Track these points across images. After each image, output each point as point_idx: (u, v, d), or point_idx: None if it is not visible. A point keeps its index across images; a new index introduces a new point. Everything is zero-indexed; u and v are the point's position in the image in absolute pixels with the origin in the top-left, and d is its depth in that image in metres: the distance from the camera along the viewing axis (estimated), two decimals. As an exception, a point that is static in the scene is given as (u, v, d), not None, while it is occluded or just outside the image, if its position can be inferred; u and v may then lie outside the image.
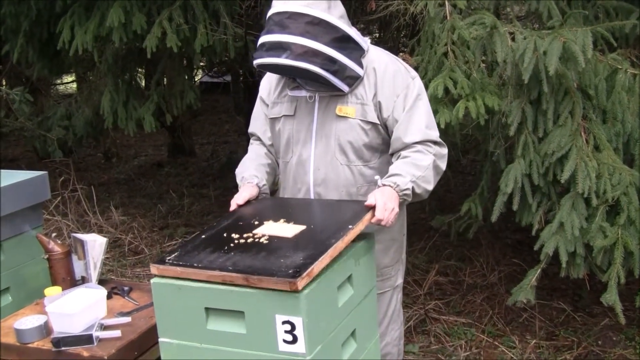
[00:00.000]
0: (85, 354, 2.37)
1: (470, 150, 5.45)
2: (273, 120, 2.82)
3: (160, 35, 4.74)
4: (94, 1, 5.06)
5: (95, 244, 2.96)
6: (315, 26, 2.45)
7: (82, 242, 2.97)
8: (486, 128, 3.70)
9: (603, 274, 3.22)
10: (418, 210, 6.28)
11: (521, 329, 4.21)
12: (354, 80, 2.59)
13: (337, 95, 2.64)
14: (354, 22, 5.53)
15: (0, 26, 5.61)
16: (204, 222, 6.58)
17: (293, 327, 1.91)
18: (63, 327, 2.44)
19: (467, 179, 6.92)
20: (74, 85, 11.39)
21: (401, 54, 3.90)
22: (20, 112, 6.98)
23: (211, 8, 5.04)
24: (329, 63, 2.48)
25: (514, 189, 3.44)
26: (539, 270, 3.48)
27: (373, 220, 2.35)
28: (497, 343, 4.06)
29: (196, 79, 12.16)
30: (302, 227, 2.29)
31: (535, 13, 3.82)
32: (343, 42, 2.52)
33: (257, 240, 2.21)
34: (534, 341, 4.02)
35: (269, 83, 2.86)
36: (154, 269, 2.12)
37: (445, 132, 3.81)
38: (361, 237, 2.33)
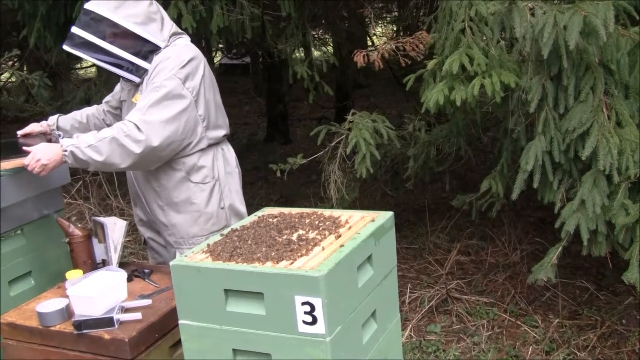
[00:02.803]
0: (107, 336, 2.38)
1: (491, 127, 5.39)
2: (122, 102, 3.32)
3: (176, 17, 4.72)
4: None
5: (116, 226, 2.97)
6: (98, 22, 2.94)
7: (102, 225, 2.98)
8: (506, 105, 3.65)
9: (625, 251, 3.18)
10: (439, 190, 6.25)
11: (544, 308, 4.18)
12: (143, 71, 3.03)
13: (137, 85, 3.09)
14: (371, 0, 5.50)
15: (18, 11, 5.61)
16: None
17: (312, 308, 1.91)
18: (84, 310, 2.45)
19: (489, 157, 6.84)
20: (94, 69, 11.41)
21: (417, 32, 3.86)
22: (39, 96, 7.00)
23: (227, -12, 5.01)
24: (106, 55, 2.97)
25: (535, 167, 3.40)
26: (560, 249, 3.45)
27: (24, 163, 2.82)
28: (519, 322, 4.04)
29: (215, 61, 12.17)
30: None
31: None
32: (125, 38, 2.97)
33: None
34: (557, 320, 3.99)
35: None
36: None
37: (464, 110, 3.77)
38: (381, 217, 2.33)
